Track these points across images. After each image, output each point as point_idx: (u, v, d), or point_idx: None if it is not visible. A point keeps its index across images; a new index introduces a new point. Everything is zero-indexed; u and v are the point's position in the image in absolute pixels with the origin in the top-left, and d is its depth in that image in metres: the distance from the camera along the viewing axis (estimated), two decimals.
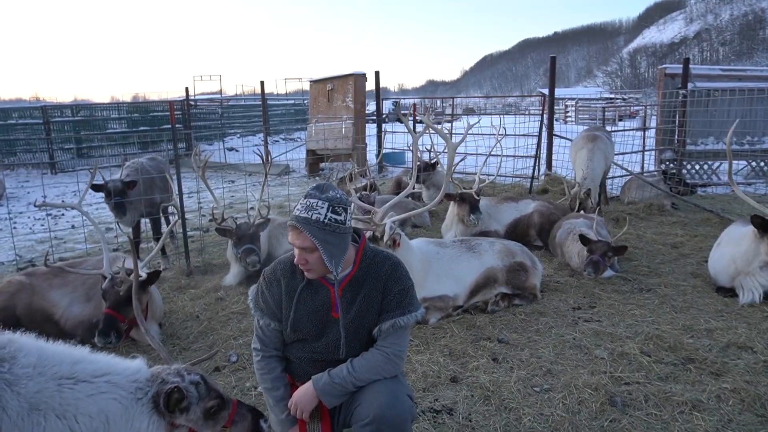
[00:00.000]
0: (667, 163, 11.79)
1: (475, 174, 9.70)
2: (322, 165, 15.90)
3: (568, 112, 35.56)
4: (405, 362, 4.16)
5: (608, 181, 10.05)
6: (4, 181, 13.67)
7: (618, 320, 4.86)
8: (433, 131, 5.37)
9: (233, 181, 14.77)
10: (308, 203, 2.46)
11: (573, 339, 4.53)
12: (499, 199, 7.63)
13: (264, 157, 6.37)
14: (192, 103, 22.66)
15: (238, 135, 24.67)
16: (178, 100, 21.66)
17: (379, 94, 15.60)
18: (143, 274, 4.55)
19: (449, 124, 15.15)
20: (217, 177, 16.50)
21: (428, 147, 11.06)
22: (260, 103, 20.78)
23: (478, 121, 8.87)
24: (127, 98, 33.58)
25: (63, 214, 11.45)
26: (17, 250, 8.19)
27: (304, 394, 2.57)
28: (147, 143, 20.02)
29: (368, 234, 4.64)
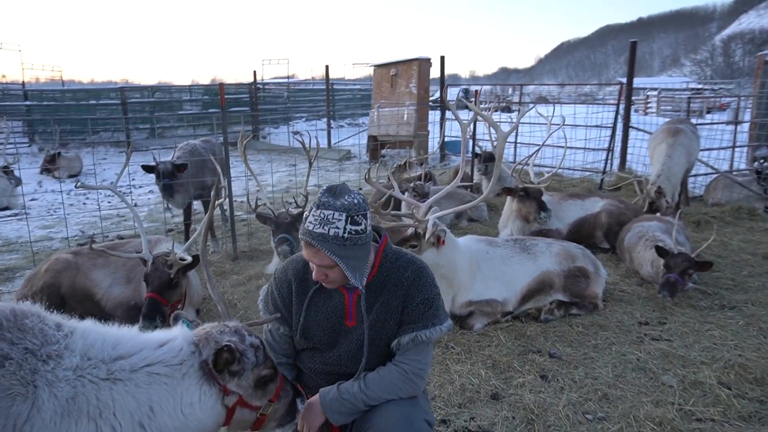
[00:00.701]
0: (762, 161, 10.53)
1: (538, 166, 9.08)
2: (382, 151, 15.64)
3: (649, 102, 33.23)
4: (440, 373, 3.82)
5: (690, 180, 9.09)
6: (82, 159, 14.39)
7: (692, 341, 4.25)
8: (487, 120, 4.91)
9: (294, 165, 14.80)
10: (323, 216, 2.14)
11: (637, 360, 3.99)
12: (562, 195, 7.02)
13: (304, 144, 6.14)
14: (260, 86, 23.05)
15: (304, 119, 24.89)
16: (245, 84, 22.06)
17: (444, 79, 15.06)
18: (188, 258, 4.47)
19: (514, 113, 14.39)
20: (280, 160, 16.69)
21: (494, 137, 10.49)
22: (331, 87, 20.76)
23: (530, 109, 8.27)
24: (206, 81, 34.75)
25: (131, 191, 11.88)
26: (82, 226, 8.52)
27: (311, 408, 2.31)
28: (215, 125, 20.56)
29: (410, 231, 4.29)
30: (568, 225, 6.67)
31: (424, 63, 14.81)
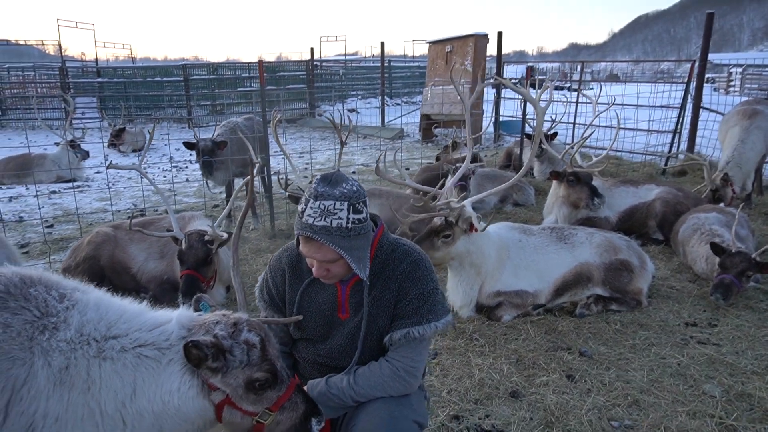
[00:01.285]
0: None
1: (594, 148, 8.53)
2: (435, 131, 15.34)
3: (732, 80, 30.66)
4: (461, 366, 3.67)
5: (766, 166, 8.28)
6: (144, 134, 15.01)
7: (745, 347, 3.85)
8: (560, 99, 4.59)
9: (346, 143, 14.79)
10: (322, 207, 2.01)
11: (678, 365, 3.66)
12: (614, 181, 6.56)
13: (334, 122, 6.02)
14: (317, 63, 23.14)
15: (360, 96, 24.82)
16: (303, 61, 22.19)
17: (501, 57, 14.42)
18: (224, 235, 4.55)
19: (575, 93, 13.59)
20: (332, 138, 16.74)
21: (553, 116, 9.96)
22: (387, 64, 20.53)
23: (582, 89, 7.70)
24: (272, 58, 35.34)
25: (187, 167, 12.30)
26: (135, 200, 8.89)
27: None
28: (272, 102, 20.88)
29: (439, 221, 4.10)
30: (618, 213, 6.24)
31: (481, 39, 14.27)
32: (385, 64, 20.06)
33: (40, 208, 7.63)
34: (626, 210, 6.22)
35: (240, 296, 2.25)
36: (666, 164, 9.58)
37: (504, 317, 4.27)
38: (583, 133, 7.00)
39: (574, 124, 11.85)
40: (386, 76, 21.13)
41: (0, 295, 1.85)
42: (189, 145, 6.43)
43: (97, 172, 11.47)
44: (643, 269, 4.51)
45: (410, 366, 2.17)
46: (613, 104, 7.31)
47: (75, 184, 10.19)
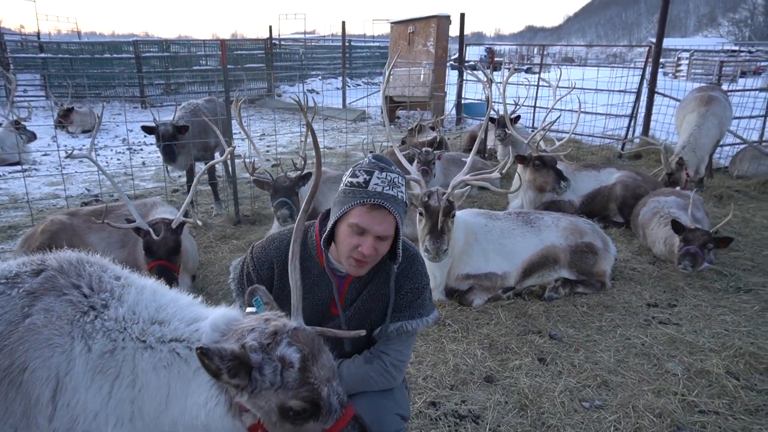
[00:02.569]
0: None
1: (556, 132, 8.68)
2: (398, 113, 15.28)
3: (680, 66, 31.82)
4: (435, 352, 3.70)
5: (716, 150, 8.65)
6: (94, 113, 14.31)
7: (702, 326, 4.04)
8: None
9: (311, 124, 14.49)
10: (389, 178, 1.98)
11: (641, 344, 3.81)
12: (577, 165, 6.71)
13: (300, 103, 5.89)
14: (275, 42, 22.54)
15: (320, 77, 24.41)
16: (261, 39, 21.58)
17: (463, 38, 14.44)
18: (198, 222, 4.51)
19: (535, 76, 13.78)
20: (293, 119, 16.43)
21: (516, 100, 10.05)
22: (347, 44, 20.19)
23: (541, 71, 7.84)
24: (227, 36, 34.13)
25: (142, 149, 11.81)
26: (88, 184, 8.48)
27: None
28: (232, 82, 20.23)
29: (444, 202, 4.05)
30: (581, 197, 6.40)
31: (444, 20, 14.22)
32: (346, 44, 19.73)
33: None
34: (589, 194, 6.38)
35: (295, 296, 1.81)
36: (623, 148, 9.87)
37: (475, 301, 4.33)
38: (545, 117, 7.09)
39: (534, 107, 12.02)
40: (347, 57, 20.79)
41: (51, 273, 1.75)
42: (148, 129, 6.15)
43: (45, 155, 10.87)
44: (607, 251, 4.66)
45: (398, 360, 2.16)
46: (574, 88, 7.42)
47: (22, 167, 9.65)
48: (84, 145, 11.19)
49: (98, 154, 11.07)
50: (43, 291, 1.71)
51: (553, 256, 4.50)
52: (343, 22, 18.10)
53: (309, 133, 1.93)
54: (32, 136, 10.66)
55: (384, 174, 1.99)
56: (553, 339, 3.88)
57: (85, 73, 18.47)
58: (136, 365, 1.65)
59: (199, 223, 4.40)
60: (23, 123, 10.41)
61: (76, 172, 9.07)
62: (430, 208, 3.97)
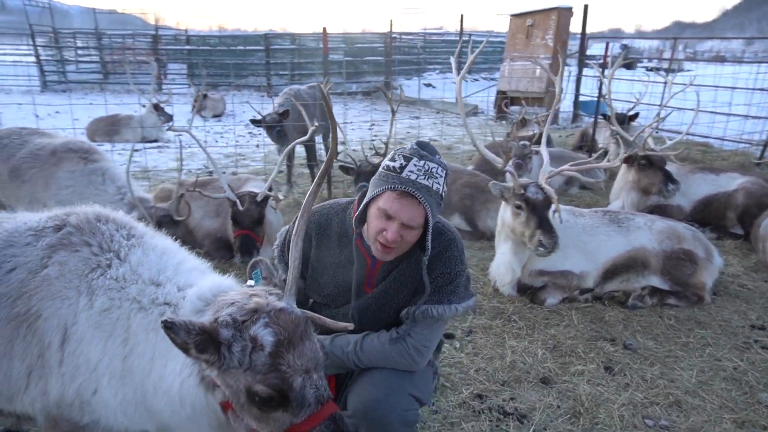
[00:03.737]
0: None
1: (678, 133, 7.89)
2: (509, 108, 14.81)
3: None
4: (494, 346, 3.57)
5: None
6: (225, 100, 15.63)
7: None
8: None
9: (418, 117, 14.64)
10: (427, 167, 1.96)
11: (733, 369, 3.35)
12: (691, 167, 6.03)
13: (385, 92, 6.00)
14: (395, 36, 22.90)
15: (438, 71, 24.39)
16: (382, 33, 22.06)
17: (585, 32, 13.59)
18: (281, 197, 4.82)
19: (668, 74, 12.56)
20: (405, 111, 16.64)
21: (637, 96, 9.27)
22: (466, 38, 20.00)
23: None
24: (358, 30, 35.56)
25: (260, 133, 12.69)
26: (206, 161, 9.31)
27: None
28: (351, 74, 20.97)
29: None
30: (693, 202, 5.74)
31: (565, 12, 13.46)
32: (465, 39, 19.50)
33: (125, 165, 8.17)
34: (702, 199, 5.71)
35: (291, 274, 1.71)
36: (762, 155, 8.68)
37: (548, 300, 4.09)
38: (657, 114, 6.44)
39: (660, 105, 10.96)
40: (464, 51, 20.55)
41: (69, 230, 1.89)
42: (256, 122, 6.66)
43: (178, 135, 12.10)
44: (709, 262, 4.15)
45: (422, 345, 2.12)
46: (691, 84, 6.66)
47: (157, 144, 10.84)
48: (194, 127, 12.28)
49: (222, 136, 12.13)
50: (60, 246, 1.85)
51: (642, 259, 4.10)
52: (462, 16, 17.91)
53: (332, 124, 1.90)
54: (169, 118, 11.93)
55: (422, 162, 1.94)
56: (627, 349, 3.55)
57: (220, 62, 20.21)
58: (130, 325, 1.73)
59: (281, 197, 4.65)
60: (162, 106, 11.68)
61: (198, 150, 10.00)
62: (530, 201, 3.79)
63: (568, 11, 13.43)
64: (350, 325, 1.79)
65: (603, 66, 11.24)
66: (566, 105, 13.75)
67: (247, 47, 20.54)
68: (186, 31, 22.85)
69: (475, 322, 3.89)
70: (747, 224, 5.41)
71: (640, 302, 4.06)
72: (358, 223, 2.11)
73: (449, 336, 3.65)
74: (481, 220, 5.60)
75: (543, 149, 4.35)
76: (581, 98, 13.50)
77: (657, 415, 2.95)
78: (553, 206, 3.80)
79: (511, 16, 15.33)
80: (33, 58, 19.87)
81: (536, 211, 3.77)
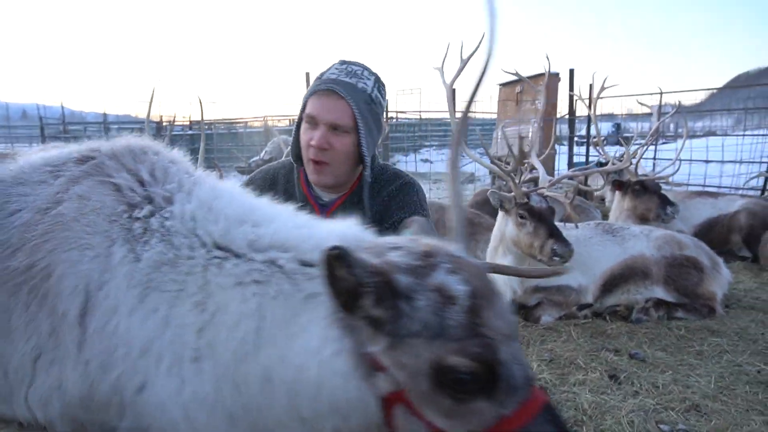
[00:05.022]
0: None
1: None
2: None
3: None
4: None
5: None
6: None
7: None
8: None
9: None
10: (350, 69, 1.85)
11: (757, 372, 2.93)
12: (688, 193, 5.82)
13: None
14: (392, 117, 23.69)
15: (434, 147, 24.97)
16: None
17: (573, 93, 13.96)
18: None
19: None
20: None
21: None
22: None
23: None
24: None
25: None
26: None
27: None
28: None
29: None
30: (694, 227, 5.46)
31: (552, 78, 13.89)
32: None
33: None
34: (703, 223, 5.43)
35: (455, 215, 1.21)
36: (763, 191, 8.46)
37: (543, 318, 3.72)
38: (650, 134, 6.33)
39: (654, 159, 10.96)
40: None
41: (100, 160, 1.33)
42: (241, 169, 6.79)
43: None
44: (716, 272, 3.81)
45: None
46: (676, 112, 6.60)
47: None
48: None
49: None
50: (83, 176, 1.30)
51: (642, 268, 3.76)
52: (453, 90, 18.50)
53: None
54: None
55: (344, 66, 1.85)
56: (634, 358, 3.14)
57: (219, 147, 20.80)
58: (208, 280, 1.12)
59: None
60: None
61: None
62: (534, 210, 3.54)
63: (555, 76, 13.85)
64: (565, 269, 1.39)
65: (596, 144, 11.38)
66: (562, 166, 13.81)
67: (248, 130, 21.21)
68: (190, 121, 23.81)
69: None
70: (753, 245, 5.09)
71: (645, 315, 3.68)
72: (296, 159, 1.92)
73: None
74: (470, 250, 5.31)
75: (535, 161, 4.16)
76: (575, 158, 13.57)
77: (673, 420, 2.51)
78: (564, 209, 3.56)
79: (500, 85, 15.81)
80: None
81: (543, 219, 3.50)
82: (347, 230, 1.19)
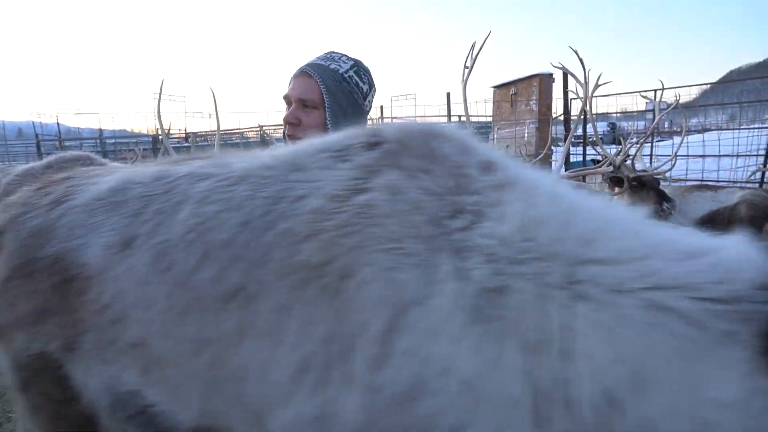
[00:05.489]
0: None
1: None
2: None
3: None
4: None
5: None
6: None
7: None
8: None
9: None
10: (329, 55, 1.98)
11: None
12: (687, 187, 5.81)
13: None
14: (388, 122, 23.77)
15: None
16: (374, 119, 22.92)
17: (567, 95, 14.03)
18: None
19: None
20: None
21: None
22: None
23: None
24: None
25: None
26: None
27: None
28: None
29: None
30: (695, 221, 5.44)
31: (546, 78, 13.98)
32: (454, 119, 20.10)
33: None
34: (704, 216, 5.41)
35: None
36: (761, 184, 8.47)
37: None
38: (645, 132, 6.33)
39: (651, 156, 11.00)
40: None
41: (392, 147, 1.09)
42: None
43: None
44: None
45: None
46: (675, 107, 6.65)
47: None
48: None
49: None
50: (382, 166, 1.06)
51: None
52: (448, 94, 18.58)
53: None
54: None
55: (327, 54, 1.97)
56: None
57: None
58: (563, 322, 0.85)
59: None
60: None
61: None
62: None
63: (549, 77, 13.92)
64: None
65: (594, 144, 11.42)
66: (555, 166, 13.83)
67: (244, 141, 21.26)
68: (186, 133, 23.85)
69: None
70: (755, 236, 5.07)
71: None
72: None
73: None
74: None
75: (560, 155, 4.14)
76: (572, 158, 13.61)
77: None
78: None
79: (494, 87, 15.91)
80: None
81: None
82: (754, 254, 0.87)
